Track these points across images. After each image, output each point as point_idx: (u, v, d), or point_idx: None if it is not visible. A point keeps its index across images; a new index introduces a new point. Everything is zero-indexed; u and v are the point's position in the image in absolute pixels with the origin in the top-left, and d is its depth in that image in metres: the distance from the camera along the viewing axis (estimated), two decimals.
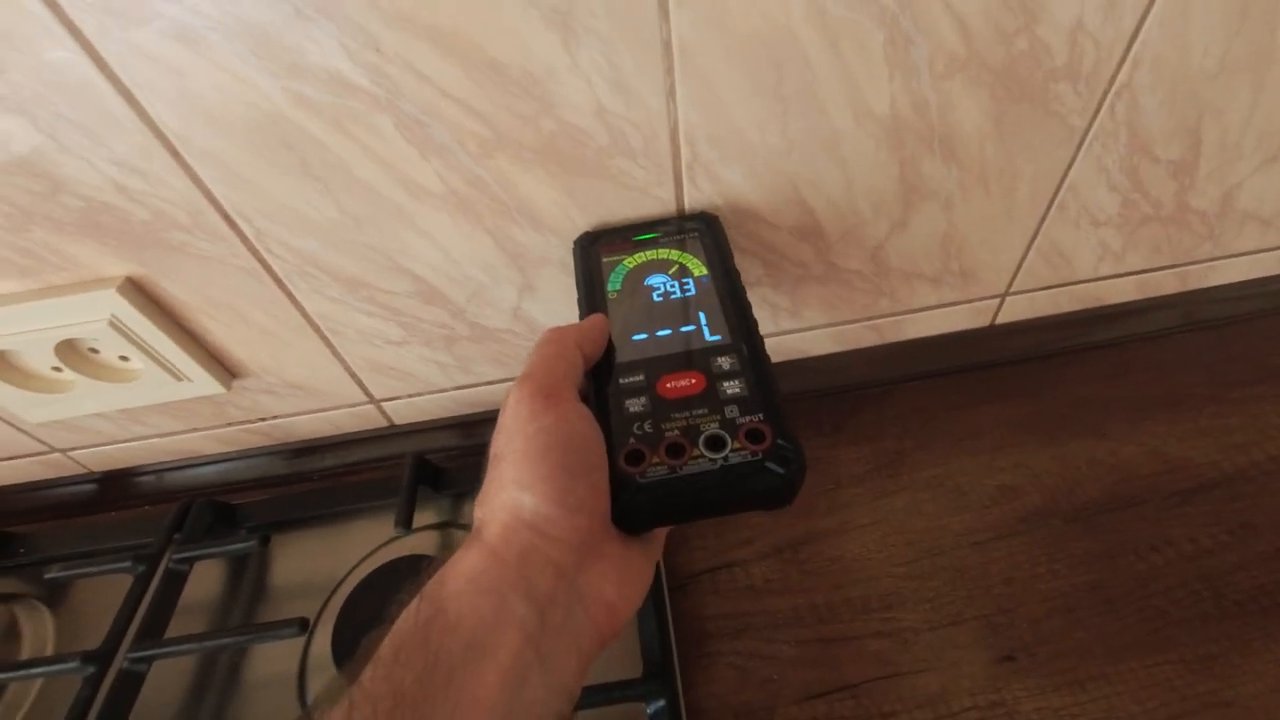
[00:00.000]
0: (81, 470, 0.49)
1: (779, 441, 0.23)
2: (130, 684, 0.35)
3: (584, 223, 0.36)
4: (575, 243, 0.35)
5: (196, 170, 0.30)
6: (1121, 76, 0.33)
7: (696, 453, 0.23)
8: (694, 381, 0.26)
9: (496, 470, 0.22)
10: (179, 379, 0.39)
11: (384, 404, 0.47)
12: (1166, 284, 0.48)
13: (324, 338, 0.40)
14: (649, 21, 0.28)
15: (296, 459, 0.49)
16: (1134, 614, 0.37)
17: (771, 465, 0.23)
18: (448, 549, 0.42)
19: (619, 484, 0.23)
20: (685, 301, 0.31)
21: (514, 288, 0.39)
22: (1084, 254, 0.44)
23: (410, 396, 0.46)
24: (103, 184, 0.30)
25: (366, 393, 0.45)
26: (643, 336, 0.29)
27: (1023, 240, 0.42)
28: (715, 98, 0.31)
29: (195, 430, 0.46)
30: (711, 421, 0.24)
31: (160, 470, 0.49)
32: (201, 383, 0.40)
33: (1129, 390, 0.47)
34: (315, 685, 0.36)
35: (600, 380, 0.27)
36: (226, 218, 0.32)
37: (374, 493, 0.45)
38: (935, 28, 0.30)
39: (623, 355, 0.28)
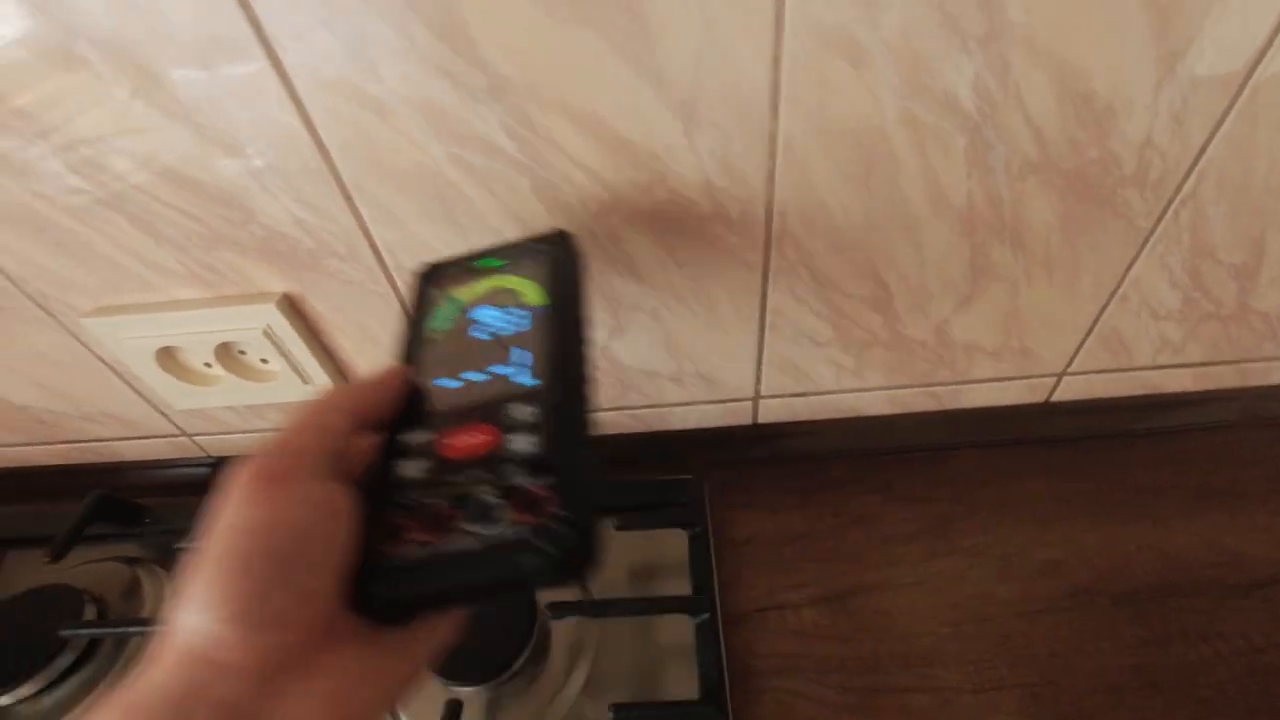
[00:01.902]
0: (201, 454, 0.55)
1: (559, 512, 0.19)
2: None
3: (679, 276, 0.40)
4: (415, 275, 0.32)
5: (362, 211, 0.36)
6: (1187, 188, 0.36)
7: (460, 527, 0.20)
8: (484, 438, 0.22)
9: (186, 580, 0.18)
10: (306, 382, 0.45)
11: None
12: (1227, 378, 0.49)
13: None
14: (761, 117, 0.32)
15: None
16: (1180, 702, 0.38)
17: (540, 543, 0.19)
18: None
19: (363, 567, 0.20)
20: (510, 339, 0.26)
21: (605, 330, 0.43)
22: (1144, 343, 0.46)
23: None
24: (285, 217, 0.36)
25: None
26: (447, 383, 0.24)
27: (1083, 325, 0.44)
28: (809, 182, 0.35)
29: None
30: (490, 488, 0.20)
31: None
32: (321, 387, 0.45)
33: (1185, 479, 0.48)
34: None
35: (388, 439, 0.23)
36: (376, 251, 0.38)
37: None
38: (1014, 136, 0.33)
39: (419, 403, 0.24)
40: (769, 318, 0.43)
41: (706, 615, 0.39)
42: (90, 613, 0.44)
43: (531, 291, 0.27)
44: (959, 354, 0.46)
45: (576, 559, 0.19)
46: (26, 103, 0.31)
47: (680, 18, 0.28)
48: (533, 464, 0.21)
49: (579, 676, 0.39)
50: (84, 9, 0.28)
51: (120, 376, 0.47)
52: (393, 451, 0.23)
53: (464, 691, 0.38)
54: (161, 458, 0.54)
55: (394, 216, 0.36)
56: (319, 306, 0.41)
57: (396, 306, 0.41)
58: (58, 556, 0.44)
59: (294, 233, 0.37)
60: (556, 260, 0.29)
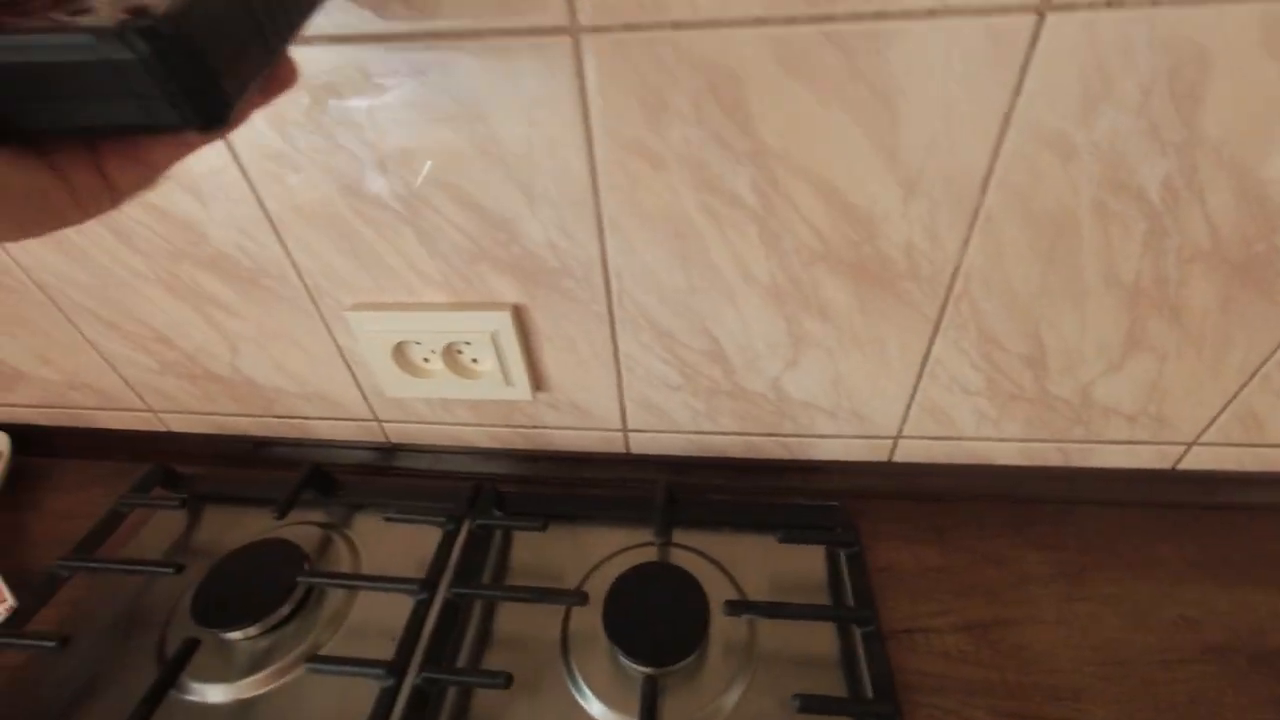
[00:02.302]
0: (382, 440, 0.61)
1: (163, 15, 0.18)
2: (451, 612, 0.45)
3: (861, 321, 0.45)
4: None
5: (608, 242, 0.42)
6: None
7: (44, 14, 0.18)
8: None
9: None
10: (508, 384, 0.51)
11: (630, 433, 0.57)
12: None
13: (619, 372, 0.51)
14: (971, 194, 0.38)
15: (539, 463, 0.60)
16: None
17: (131, 35, 0.17)
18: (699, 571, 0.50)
19: None
20: None
21: (781, 362, 0.49)
22: (1278, 421, 0.49)
23: (655, 432, 0.56)
24: (542, 241, 0.43)
25: (624, 421, 0.56)
26: None
27: (1222, 399, 0.48)
28: (998, 251, 0.40)
29: (480, 425, 0.58)
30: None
31: (438, 451, 0.61)
32: (520, 389, 0.52)
33: None
34: (578, 649, 0.45)
35: None
36: (606, 276, 0.44)
37: (615, 506, 0.55)
38: (1191, 227, 0.38)
39: None
40: (929, 365, 0.48)
41: (872, 627, 0.43)
42: (302, 566, 0.50)
43: None
44: (1097, 415, 0.50)
45: (177, 67, 0.18)
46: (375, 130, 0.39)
47: (924, 111, 0.35)
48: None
49: (746, 671, 0.43)
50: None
51: (346, 363, 0.54)
52: None
53: (651, 671, 0.42)
54: (348, 439, 0.61)
55: (632, 247, 0.43)
56: (539, 317, 0.48)
57: (606, 325, 0.47)
58: (282, 514, 0.50)
59: (545, 254, 0.44)
60: None
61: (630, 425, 0.56)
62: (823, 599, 0.49)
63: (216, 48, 0.19)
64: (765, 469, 0.57)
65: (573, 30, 0.33)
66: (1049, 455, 0.54)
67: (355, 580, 0.48)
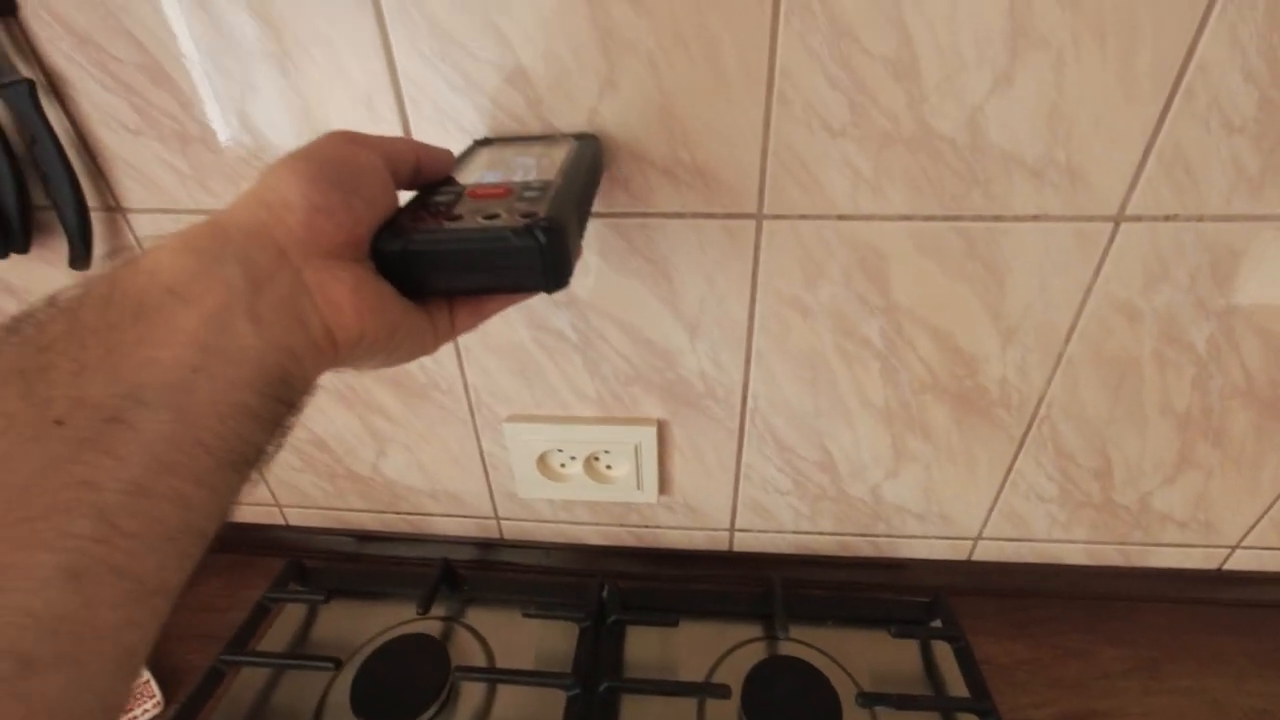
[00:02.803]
0: (495, 536, 0.65)
1: (545, 217, 0.25)
2: (603, 707, 0.48)
3: (957, 439, 0.53)
4: (473, 142, 0.39)
5: (753, 372, 0.50)
6: None
7: (470, 221, 0.26)
8: (499, 191, 0.29)
9: (274, 163, 0.24)
10: (638, 489, 0.57)
11: (736, 533, 0.62)
12: None
13: (738, 479, 0.57)
14: (1057, 343, 0.47)
15: (647, 560, 0.64)
16: None
17: (532, 230, 0.25)
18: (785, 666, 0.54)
19: (386, 225, 0.26)
20: (532, 165, 0.33)
21: (882, 470, 0.56)
22: None
23: (759, 531, 0.62)
24: (694, 369, 0.50)
25: (732, 522, 0.61)
26: (477, 175, 0.32)
27: (1260, 508, 0.56)
28: (1075, 386, 0.49)
29: (595, 524, 0.63)
30: (498, 207, 0.27)
31: (549, 547, 0.65)
32: (648, 493, 0.57)
33: None
34: None
35: (424, 190, 0.30)
36: (745, 399, 0.52)
37: (723, 601, 0.59)
38: (1230, 372, 0.47)
39: (461, 176, 0.32)
40: (1013, 476, 0.55)
41: (994, 718, 0.48)
42: (449, 660, 0.53)
43: (556, 153, 0.35)
44: (1154, 520, 0.57)
45: (553, 252, 0.25)
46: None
47: (1024, 283, 0.44)
48: (530, 202, 0.27)
49: None
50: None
51: (484, 465, 0.59)
52: (428, 192, 0.30)
53: None
54: (466, 535, 0.65)
55: (773, 377, 0.50)
56: (676, 431, 0.55)
57: (735, 439, 0.54)
58: (426, 610, 0.54)
59: (694, 380, 0.51)
60: (580, 143, 0.37)
61: (737, 525, 0.61)
62: (925, 689, 0.53)
63: (569, 236, 0.27)
64: (857, 565, 0.62)
65: (758, 216, 0.43)
66: (1111, 556, 0.61)
67: (510, 676, 0.51)
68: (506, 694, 0.51)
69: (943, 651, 0.56)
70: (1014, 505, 0.57)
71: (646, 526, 0.63)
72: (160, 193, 0.45)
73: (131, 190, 0.45)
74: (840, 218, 0.42)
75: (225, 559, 0.65)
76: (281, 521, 0.67)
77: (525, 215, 0.26)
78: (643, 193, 0.42)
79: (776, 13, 0.36)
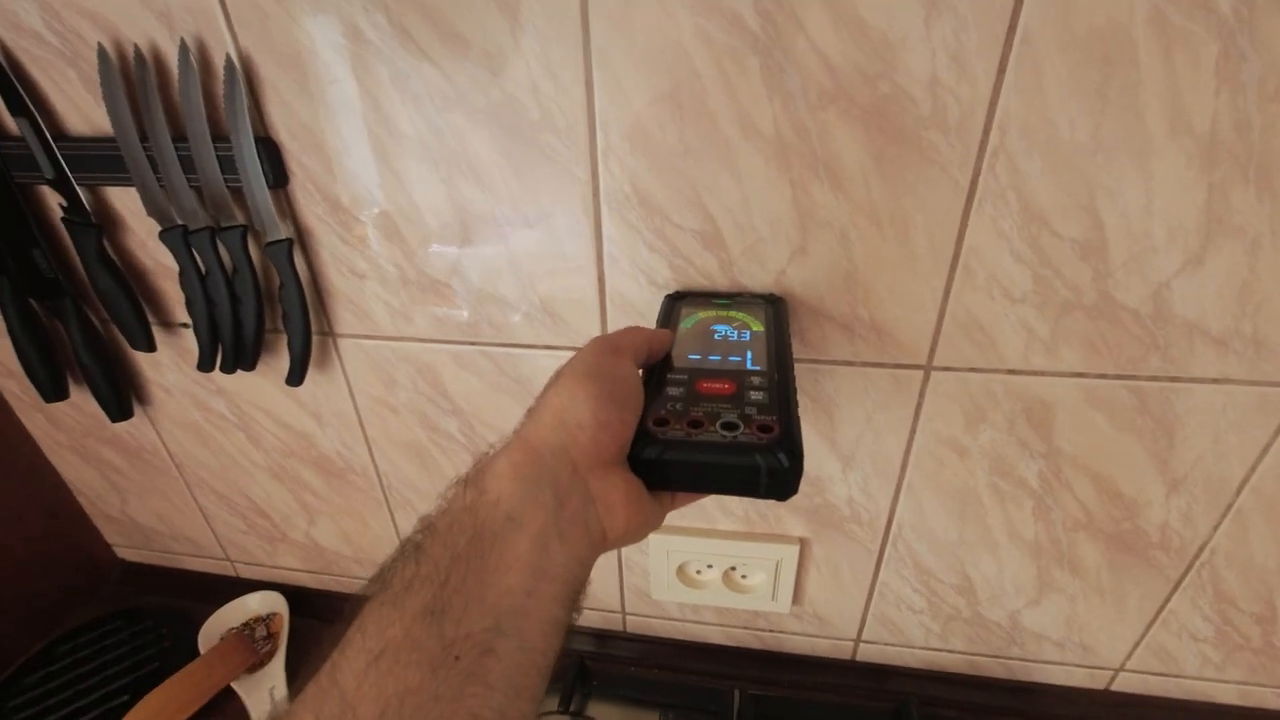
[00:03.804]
0: (619, 629, 0.67)
1: (783, 435, 0.28)
2: None
3: (1108, 579, 0.52)
4: (666, 297, 0.43)
5: (901, 502, 0.51)
6: None
7: (712, 429, 0.29)
8: (726, 386, 0.32)
9: (555, 381, 0.29)
10: (773, 600, 0.58)
11: (861, 643, 0.62)
12: None
13: (871, 596, 0.58)
14: (1228, 494, 0.46)
15: (767, 664, 0.65)
16: None
17: (775, 451, 0.27)
18: None
19: (641, 434, 0.28)
20: (739, 343, 0.37)
21: (1025, 600, 0.55)
22: None
23: (884, 644, 0.62)
24: (844, 497, 0.52)
25: (859, 633, 0.62)
26: (696, 356, 0.35)
27: None
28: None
29: (721, 625, 0.64)
30: (732, 412, 0.30)
31: (673, 645, 0.67)
32: (781, 604, 0.59)
33: None
34: None
35: (653, 373, 0.34)
36: (889, 526, 0.53)
37: (844, 713, 0.59)
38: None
39: (677, 363, 0.35)
40: (1164, 615, 0.54)
41: None
42: None
43: (753, 322, 0.39)
44: None
45: (795, 473, 0.28)
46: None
47: (1196, 438, 0.44)
48: (761, 408, 0.30)
49: None
50: None
51: (620, 565, 0.62)
52: (661, 377, 0.33)
53: None
54: (589, 626, 0.68)
55: (920, 508, 0.51)
56: (816, 549, 0.56)
57: (874, 560, 0.55)
58: (567, 708, 0.56)
59: (841, 505, 0.53)
60: (770, 308, 0.41)
61: (864, 637, 0.62)
62: None
63: (803, 450, 0.29)
64: (986, 686, 0.61)
65: (927, 368, 0.44)
66: (1267, 699, 0.58)
67: None
68: None
69: None
70: (1163, 642, 0.56)
71: (773, 631, 0.64)
72: (370, 323, 0.50)
73: (345, 320, 0.51)
74: (1010, 372, 0.44)
75: None
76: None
77: (762, 428, 0.29)
78: (817, 342, 0.45)
79: (970, 201, 0.38)
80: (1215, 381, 0.42)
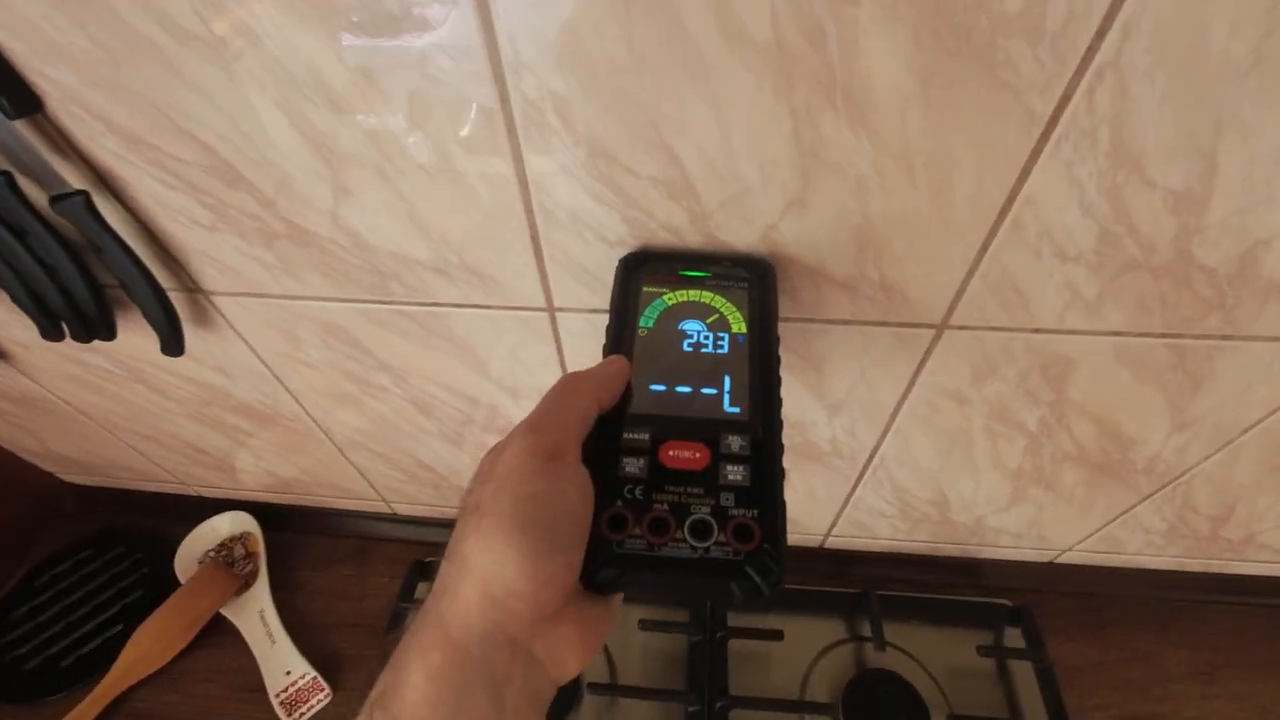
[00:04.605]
0: None
1: (765, 546, 0.23)
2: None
3: (1083, 496, 0.51)
4: (620, 261, 0.34)
5: (887, 441, 0.47)
6: None
7: (679, 535, 0.23)
8: (697, 455, 0.25)
9: (477, 525, 0.22)
10: None
11: (830, 537, 0.64)
12: None
13: (843, 508, 0.58)
14: (1235, 430, 0.43)
15: None
16: None
17: (750, 571, 0.22)
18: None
19: (596, 547, 0.23)
20: (715, 360, 0.29)
21: (994, 508, 0.55)
22: None
23: (852, 536, 0.64)
24: (826, 436, 0.48)
25: (829, 529, 0.63)
26: (660, 389, 0.28)
27: None
28: (1233, 467, 0.46)
29: None
30: (703, 505, 0.24)
31: None
32: None
33: None
34: None
35: (605, 427, 0.26)
36: (870, 459, 0.50)
37: (818, 602, 0.63)
38: None
39: (637, 404, 0.27)
40: (1124, 518, 0.55)
41: None
42: None
43: (735, 319, 0.31)
44: (1252, 549, 0.58)
45: (774, 590, 0.23)
46: None
47: (1230, 389, 0.39)
48: (740, 494, 0.24)
49: None
50: None
51: None
52: (613, 444, 0.26)
53: None
54: None
55: (906, 445, 0.48)
56: (793, 475, 0.54)
57: (849, 484, 0.53)
58: None
59: (822, 444, 0.49)
60: (757, 291, 0.32)
61: (834, 532, 0.63)
62: (998, 694, 0.59)
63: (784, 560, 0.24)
64: (941, 566, 0.65)
65: (940, 327, 0.37)
66: (1196, 568, 0.63)
67: (634, 692, 0.56)
68: (628, 706, 0.58)
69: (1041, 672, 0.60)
70: (1114, 533, 0.58)
71: None
72: (245, 280, 0.39)
73: (213, 277, 0.39)
74: (1036, 331, 0.36)
75: (344, 544, 0.69)
76: (388, 511, 0.70)
77: (740, 532, 0.23)
78: (811, 302, 0.36)
79: (1045, 139, 0.27)
80: (1275, 339, 0.35)
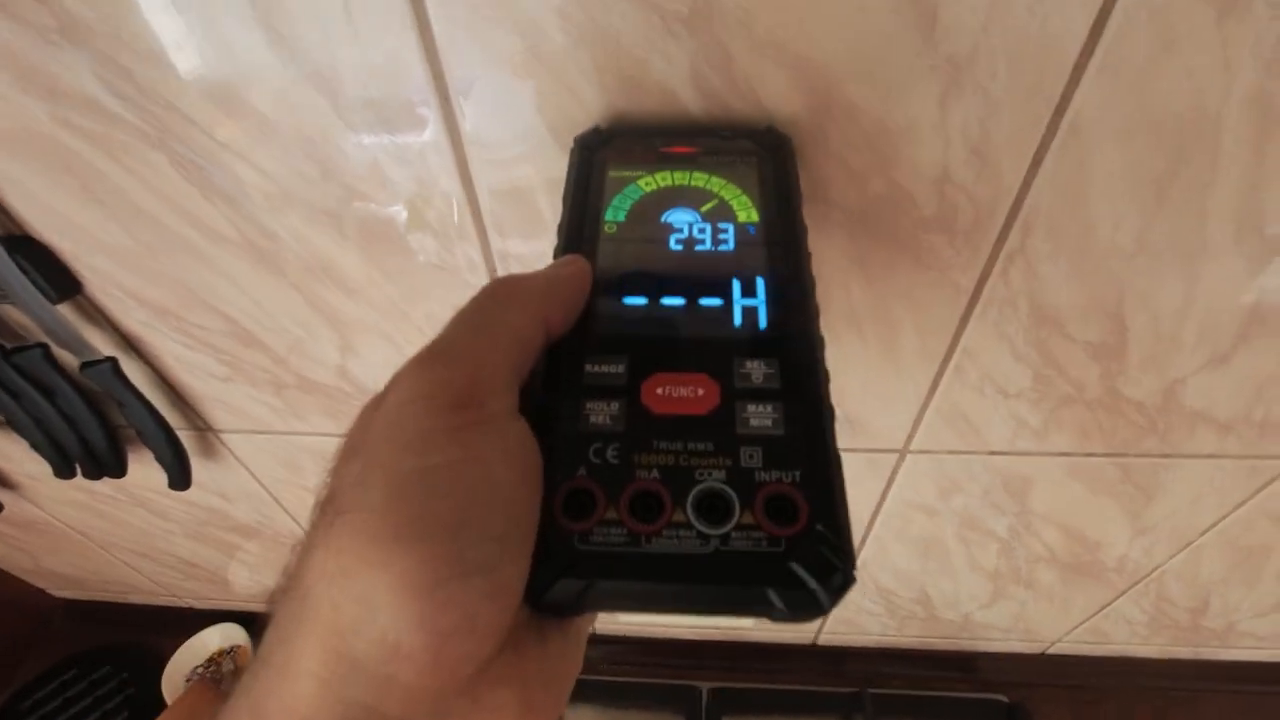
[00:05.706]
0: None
1: (817, 527, 0.15)
2: None
3: (1061, 592, 0.53)
4: (576, 140, 0.24)
5: (866, 545, 0.49)
6: None
7: (680, 517, 0.15)
8: (701, 393, 0.17)
9: (328, 534, 0.13)
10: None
11: (821, 634, 0.65)
12: None
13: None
14: (1193, 534, 0.45)
15: (733, 655, 0.67)
16: None
17: (798, 569, 0.14)
18: None
19: (548, 544, 0.15)
20: (716, 260, 0.20)
21: (977, 605, 0.56)
22: None
23: (843, 634, 0.64)
24: None
25: (819, 630, 0.63)
26: (639, 301, 0.19)
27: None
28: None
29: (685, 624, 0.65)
30: (716, 467, 0.15)
31: (638, 644, 0.68)
32: (744, 621, 0.59)
33: None
34: None
35: (557, 360, 0.18)
36: None
37: (812, 701, 0.63)
38: None
39: (603, 325, 0.18)
40: (1105, 611, 0.56)
41: None
42: None
43: (741, 204, 0.21)
44: (1236, 636, 0.59)
45: (836, 594, 0.14)
46: None
47: (1176, 498, 0.42)
48: (770, 448, 0.15)
49: None
50: None
51: None
52: (572, 384, 0.17)
53: None
54: None
55: (883, 550, 0.49)
56: None
57: None
58: None
59: None
60: (768, 167, 0.22)
61: (824, 630, 0.64)
62: None
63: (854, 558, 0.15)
64: (935, 660, 0.65)
65: (903, 451, 0.39)
66: (1183, 654, 0.63)
67: None
68: None
69: None
70: (1099, 625, 0.59)
71: (736, 627, 0.65)
72: (253, 419, 0.41)
73: (223, 418, 0.42)
74: (992, 453, 0.39)
75: None
76: None
77: (777, 513, 0.14)
78: None
79: (973, 305, 0.30)
80: (1210, 457, 0.38)
